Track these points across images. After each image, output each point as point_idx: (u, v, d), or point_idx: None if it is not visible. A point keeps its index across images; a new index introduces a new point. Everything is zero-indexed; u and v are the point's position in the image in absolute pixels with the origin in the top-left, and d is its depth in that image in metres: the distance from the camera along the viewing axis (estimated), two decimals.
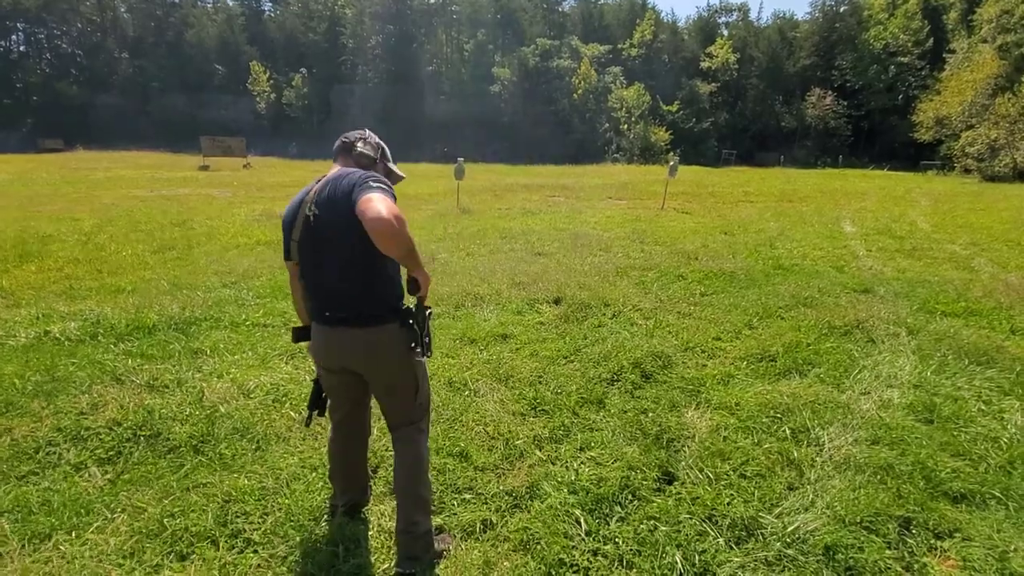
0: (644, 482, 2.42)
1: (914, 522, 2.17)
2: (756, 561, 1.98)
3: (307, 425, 2.19)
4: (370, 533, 2.15)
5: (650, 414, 3.04)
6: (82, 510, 2.26)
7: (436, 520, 2.19)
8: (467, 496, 2.36)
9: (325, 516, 2.21)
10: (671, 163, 13.73)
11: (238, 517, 2.19)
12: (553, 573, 1.90)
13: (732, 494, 2.34)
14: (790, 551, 2.02)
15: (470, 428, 2.90)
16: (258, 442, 2.77)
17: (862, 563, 1.94)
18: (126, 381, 3.53)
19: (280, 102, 48.38)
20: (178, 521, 2.16)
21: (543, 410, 3.12)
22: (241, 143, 29.61)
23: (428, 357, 1.91)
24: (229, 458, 2.64)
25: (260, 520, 2.18)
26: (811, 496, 2.33)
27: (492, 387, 3.43)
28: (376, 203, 1.57)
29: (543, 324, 4.67)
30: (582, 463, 2.59)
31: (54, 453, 2.73)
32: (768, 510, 2.25)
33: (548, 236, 8.94)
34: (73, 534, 2.11)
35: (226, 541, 2.06)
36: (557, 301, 5.27)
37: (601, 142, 41.85)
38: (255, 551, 2.01)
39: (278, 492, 2.33)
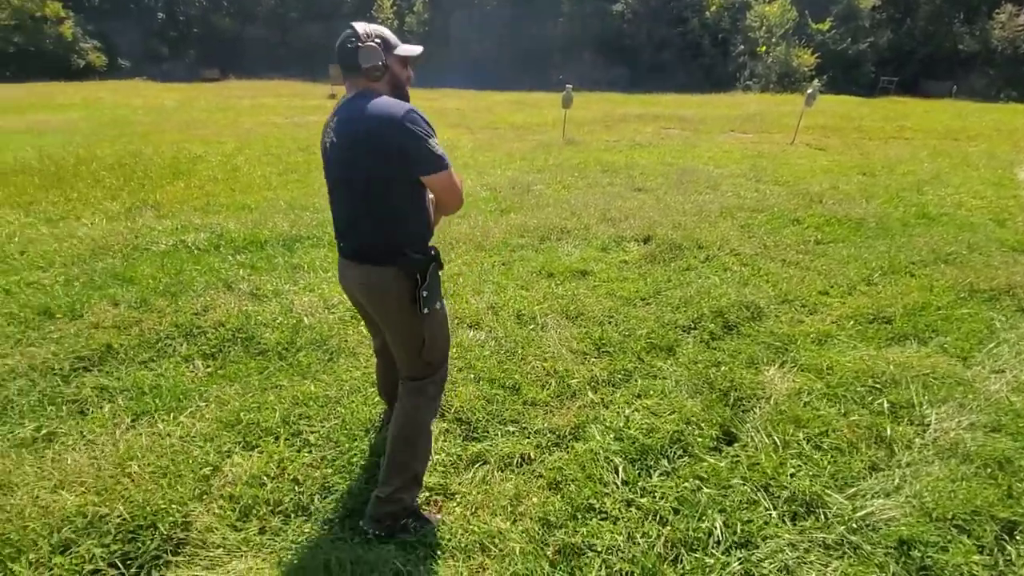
0: (699, 439, 2.25)
1: (1021, 528, 1.81)
2: (810, 542, 1.78)
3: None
4: None
5: (723, 368, 2.80)
6: (181, 396, 2.60)
7: (473, 448, 2.22)
8: (511, 428, 2.37)
9: (376, 428, 2.33)
10: (809, 90, 11.95)
11: (301, 419, 2.39)
12: (580, 516, 1.86)
13: (798, 465, 2.11)
14: (854, 537, 1.79)
15: (528, 362, 2.88)
16: (331, 353, 2.97)
17: (941, 564, 1.67)
18: (235, 288, 3.93)
19: (402, 29, 48.93)
20: (252, 415, 2.41)
21: (606, 352, 3.00)
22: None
23: (427, 311, 1.69)
24: (304, 366, 2.86)
25: (319, 424, 2.36)
26: (897, 481, 2.03)
27: (559, 323, 3.35)
28: (455, 182, 1.65)
29: (626, 263, 4.43)
30: (635, 410, 2.46)
31: (170, 345, 3.14)
32: (839, 489, 2.00)
33: (652, 171, 8.36)
34: (171, 415, 2.44)
35: (287, 439, 2.27)
36: (646, 240, 4.95)
37: (733, 67, 37.49)
38: (309, 451, 2.19)
39: (339, 402, 2.50)
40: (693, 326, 3.29)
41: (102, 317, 3.42)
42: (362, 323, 3.34)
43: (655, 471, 2.08)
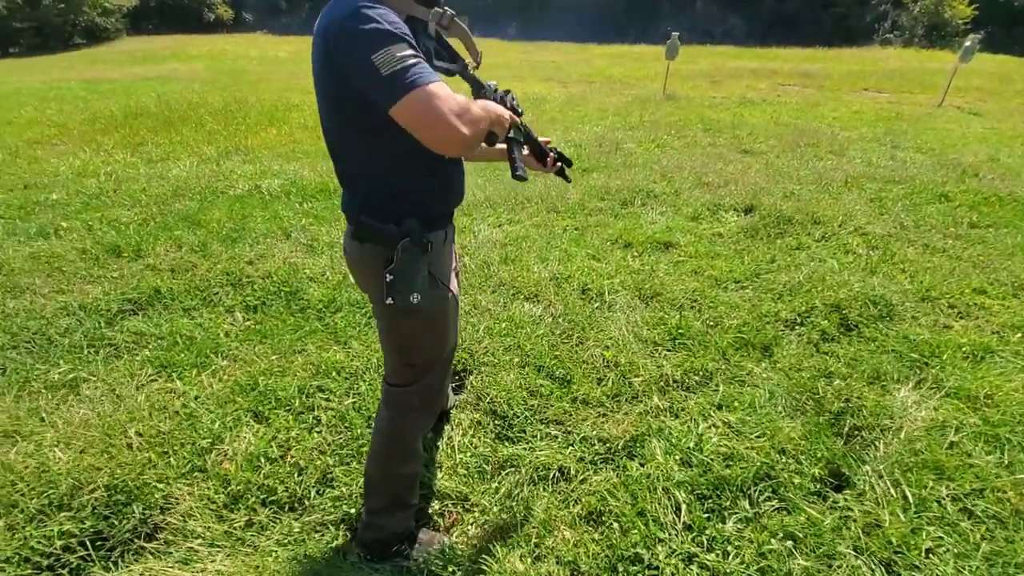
0: (796, 477, 1.72)
1: None
2: None
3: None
4: (438, 443, 1.92)
5: (836, 381, 2.19)
6: (211, 351, 2.44)
7: (504, 450, 1.85)
8: (553, 431, 1.96)
9: None
10: (967, 43, 9.87)
11: (319, 392, 2.13)
12: (621, 569, 1.43)
13: (938, 537, 1.53)
14: None
15: (585, 348, 2.43)
16: (369, 318, 2.70)
17: None
18: (292, 238, 3.78)
19: None
20: (271, 381, 2.19)
21: (683, 344, 2.47)
22: (464, 19, 30.00)
23: (391, 302, 1.21)
24: (339, 329, 2.61)
25: (336, 401, 2.09)
26: None
27: (630, 303, 2.85)
28: (433, 109, 0.97)
29: (720, 236, 3.77)
30: (712, 426, 1.96)
31: (216, 294, 3.03)
32: None
33: (763, 131, 7.30)
34: (194, 372, 2.28)
35: (300, 414, 2.02)
36: (748, 210, 4.22)
37: (872, 18, 32.69)
38: (319, 431, 1.93)
39: (362, 376, 2.22)
40: (799, 321, 2.66)
41: (161, 259, 3.39)
42: None
43: (731, 516, 1.60)
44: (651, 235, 3.74)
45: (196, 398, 2.09)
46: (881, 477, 1.75)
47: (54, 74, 15.98)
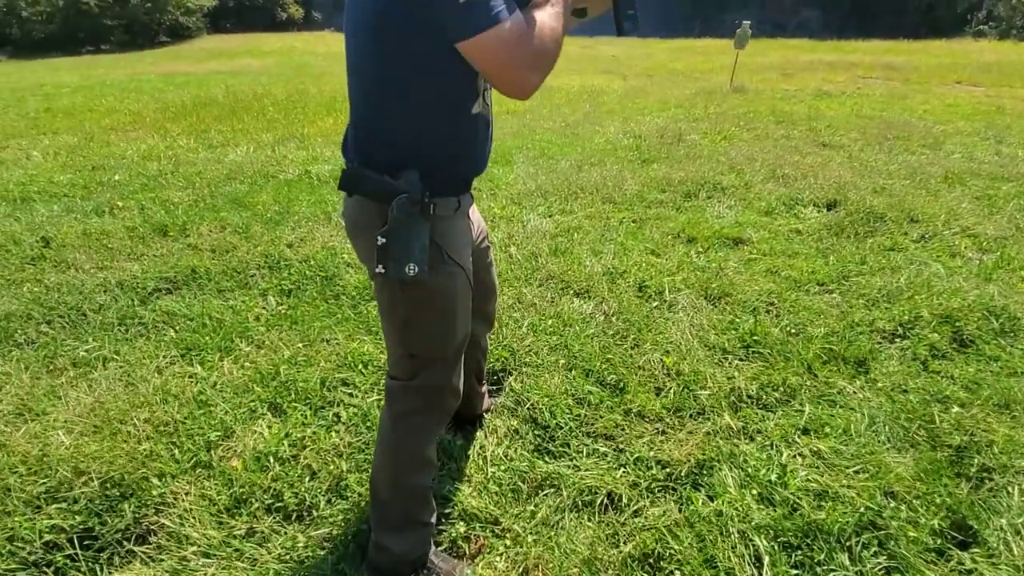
0: (910, 529, 1.36)
1: None
2: None
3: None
4: (468, 451, 1.67)
5: (954, 408, 1.79)
6: (238, 335, 2.30)
7: (543, 467, 1.58)
8: (601, 447, 1.67)
9: None
10: None
11: (344, 386, 1.94)
12: None
13: None
14: None
15: (642, 352, 2.12)
16: None
17: None
18: (336, 223, 3.65)
19: None
20: (294, 371, 2.01)
21: (758, 353, 2.12)
22: None
23: (382, 271, 1.00)
24: (372, 318, 2.42)
25: (361, 396, 1.88)
26: None
27: (695, 304, 2.51)
28: (513, 48, 0.90)
29: (799, 233, 3.34)
30: (798, 455, 1.61)
31: (253, 276, 2.91)
32: None
33: (844, 124, 6.66)
34: (217, 356, 2.15)
35: (319, 411, 1.82)
36: (831, 205, 3.75)
37: (963, 8, 30.07)
38: (338, 431, 1.73)
39: None
40: (901, 333, 2.24)
41: (203, 239, 3.33)
42: None
43: (827, 574, 1.27)
44: (718, 230, 3.36)
45: (214, 385, 1.94)
46: (1019, 533, 1.36)
47: (138, 68, 16.96)
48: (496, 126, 1.09)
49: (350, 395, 1.89)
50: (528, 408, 1.82)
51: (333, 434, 1.71)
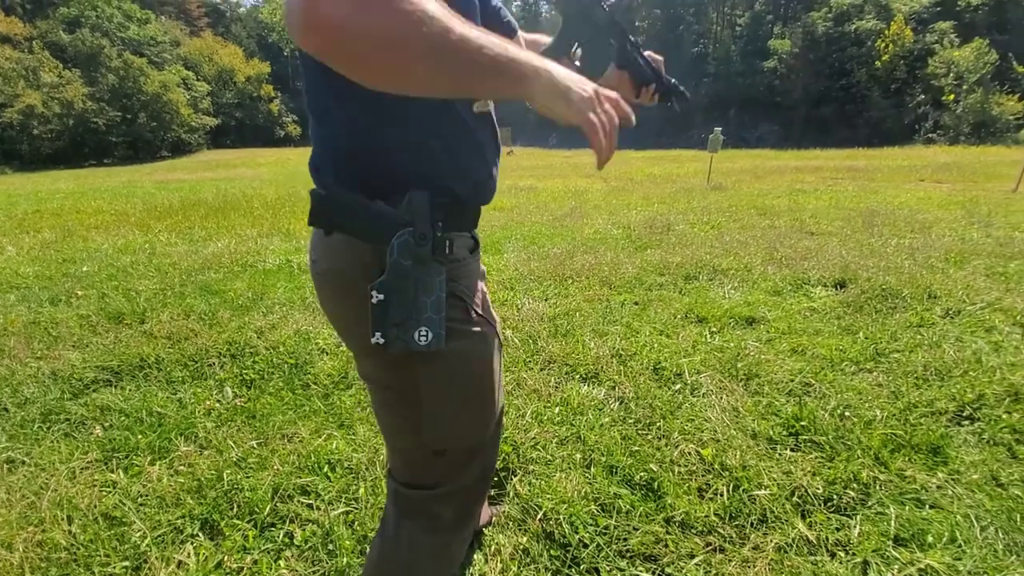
0: None
1: None
2: None
3: None
4: None
5: None
6: (179, 434, 1.89)
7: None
8: (640, 571, 1.26)
9: None
10: None
11: (302, 494, 1.52)
12: None
13: None
14: None
15: (672, 443, 1.75)
16: None
17: None
18: (313, 308, 3.35)
19: None
20: (241, 477, 1.60)
21: (812, 442, 1.76)
22: (507, 132, 32.20)
23: (387, 343, 0.70)
24: (345, 410, 2.04)
25: (322, 508, 1.46)
26: None
27: (722, 385, 2.18)
28: None
29: (815, 311, 3.10)
30: (898, 570, 1.22)
31: (210, 366, 2.54)
32: None
33: (826, 214, 6.76)
34: (148, 459, 1.73)
35: (266, 530, 1.40)
36: (840, 284, 3.56)
37: (910, 119, 33.05)
38: (287, 558, 1.29)
39: (362, 475, 1.60)
40: (968, 414, 1.92)
41: (161, 327, 2.98)
42: None
43: None
44: (728, 309, 3.12)
45: (135, 497, 1.51)
46: None
47: (135, 177, 17.42)
48: (481, 220, 0.78)
49: (309, 507, 1.47)
50: (540, 519, 1.41)
51: (282, 562, 1.28)
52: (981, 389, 2.02)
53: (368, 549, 1.25)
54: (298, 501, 1.49)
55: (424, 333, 0.70)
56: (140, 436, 1.86)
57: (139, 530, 1.36)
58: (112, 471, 1.65)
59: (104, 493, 1.54)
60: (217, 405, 2.18)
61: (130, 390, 2.26)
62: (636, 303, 3.39)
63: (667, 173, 14.80)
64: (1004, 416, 1.87)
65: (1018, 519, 1.38)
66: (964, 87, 29.73)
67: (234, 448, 1.78)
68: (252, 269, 4.49)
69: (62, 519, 1.41)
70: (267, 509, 1.45)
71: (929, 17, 35.03)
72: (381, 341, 0.69)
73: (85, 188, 13.55)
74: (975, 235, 5.18)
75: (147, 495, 1.53)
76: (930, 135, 30.22)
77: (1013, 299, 3.14)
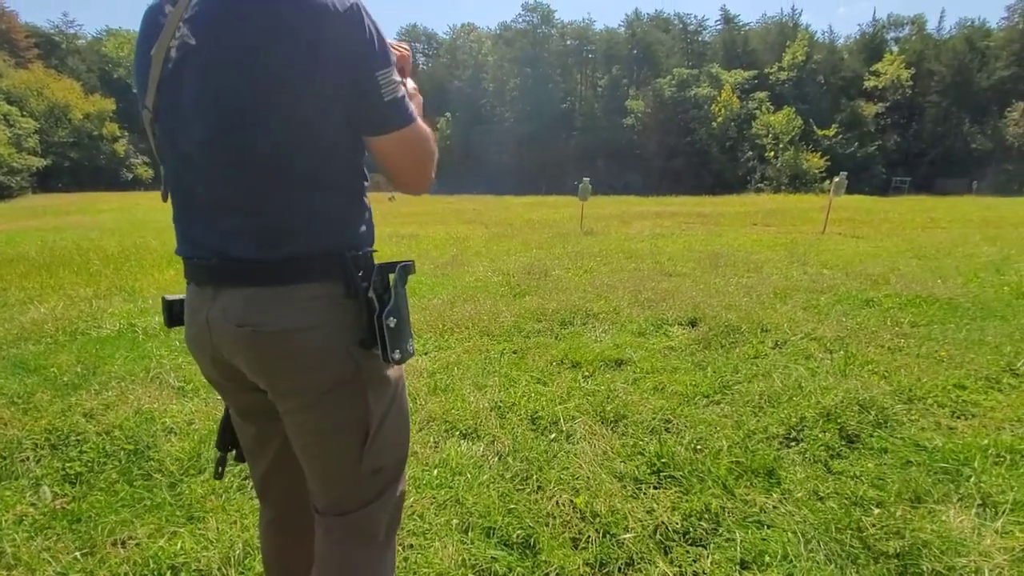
0: None
1: None
2: None
3: (217, 476, 1.12)
4: None
5: (875, 510, 1.68)
6: None
7: None
8: None
9: None
10: (836, 179, 11.38)
11: None
12: None
13: None
14: None
15: (547, 495, 1.80)
16: (244, 479, 1.94)
17: None
18: (160, 381, 2.99)
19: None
20: None
21: (671, 477, 1.91)
22: (382, 178, 32.01)
23: (394, 362, 0.88)
24: (196, 499, 1.82)
25: None
26: None
27: (593, 430, 2.29)
28: (428, 136, 0.95)
29: (673, 349, 3.41)
30: None
31: (24, 461, 2.15)
32: None
33: (681, 257, 7.56)
34: None
35: None
36: (693, 323, 3.97)
37: (743, 171, 38.56)
38: None
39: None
40: (795, 436, 2.21)
41: None
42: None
43: None
44: (600, 352, 3.32)
45: None
46: None
47: None
48: None
49: None
50: None
51: None
52: (803, 412, 2.35)
53: None
54: None
55: (412, 342, 0.90)
56: None
57: None
58: None
59: None
60: (31, 510, 1.84)
61: None
62: (515, 352, 3.48)
63: (544, 218, 15.62)
64: (820, 435, 2.18)
65: (833, 529, 1.60)
66: (780, 146, 35.47)
67: (51, 563, 1.50)
68: (84, 337, 3.92)
69: None
70: None
71: (750, 87, 41.66)
72: (397, 356, 0.86)
73: None
74: (795, 273, 6.09)
75: None
76: (759, 185, 35.44)
77: (824, 329, 3.72)
